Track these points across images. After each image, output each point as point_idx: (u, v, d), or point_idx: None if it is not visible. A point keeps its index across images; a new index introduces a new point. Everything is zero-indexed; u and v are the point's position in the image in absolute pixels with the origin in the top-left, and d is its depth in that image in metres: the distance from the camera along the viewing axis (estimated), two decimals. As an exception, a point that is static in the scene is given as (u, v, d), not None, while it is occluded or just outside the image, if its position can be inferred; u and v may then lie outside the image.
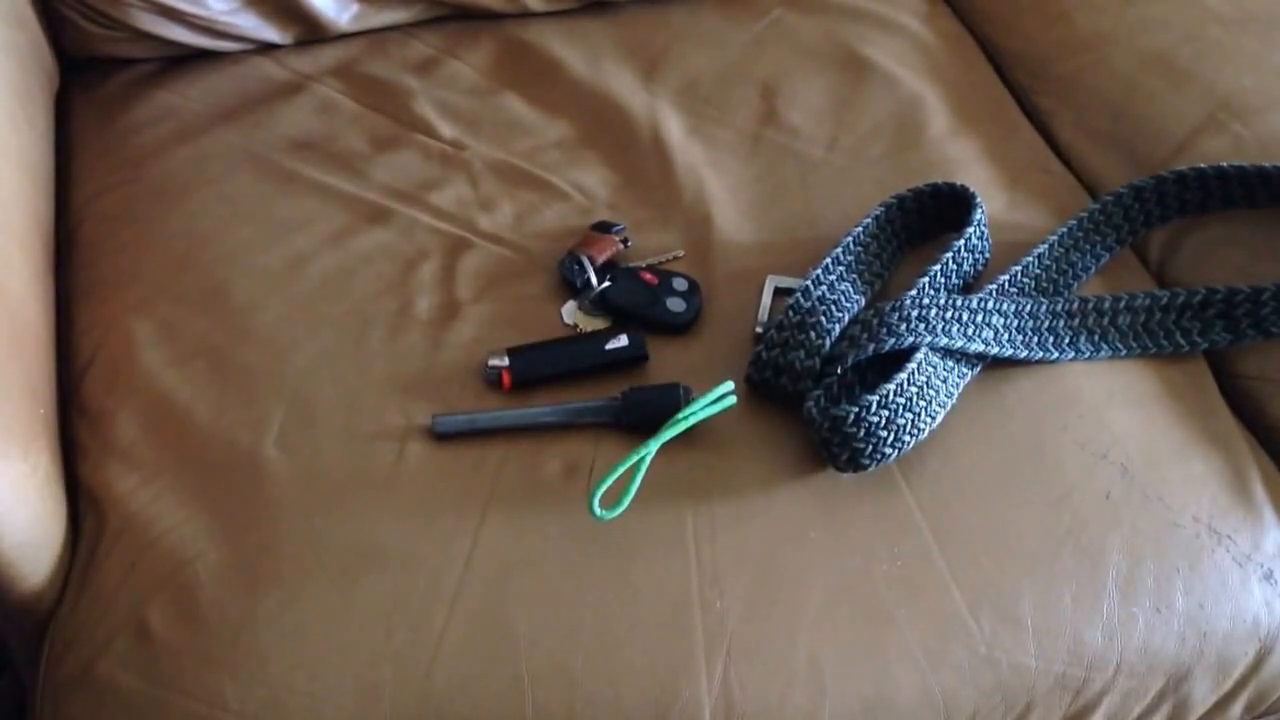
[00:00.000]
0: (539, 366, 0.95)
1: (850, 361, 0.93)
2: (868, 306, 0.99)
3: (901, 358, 0.92)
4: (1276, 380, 1.01)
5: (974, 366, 0.97)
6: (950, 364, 0.95)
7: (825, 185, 1.11)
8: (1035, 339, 0.98)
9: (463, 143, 1.13)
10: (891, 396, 0.89)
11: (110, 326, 0.98)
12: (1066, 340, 0.99)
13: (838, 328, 0.97)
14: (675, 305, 0.99)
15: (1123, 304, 1.01)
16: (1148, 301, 1.01)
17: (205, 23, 1.16)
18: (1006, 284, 1.01)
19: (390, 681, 0.81)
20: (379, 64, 1.21)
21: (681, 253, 1.05)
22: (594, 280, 0.99)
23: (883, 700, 0.84)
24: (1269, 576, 0.91)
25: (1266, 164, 1.06)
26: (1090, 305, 1.01)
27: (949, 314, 0.95)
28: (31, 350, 0.92)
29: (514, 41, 1.24)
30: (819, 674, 0.84)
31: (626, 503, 0.85)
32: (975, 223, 1.02)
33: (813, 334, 0.95)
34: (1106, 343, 1.00)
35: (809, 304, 0.97)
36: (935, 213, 1.06)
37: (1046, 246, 1.04)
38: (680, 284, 1.01)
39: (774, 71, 1.21)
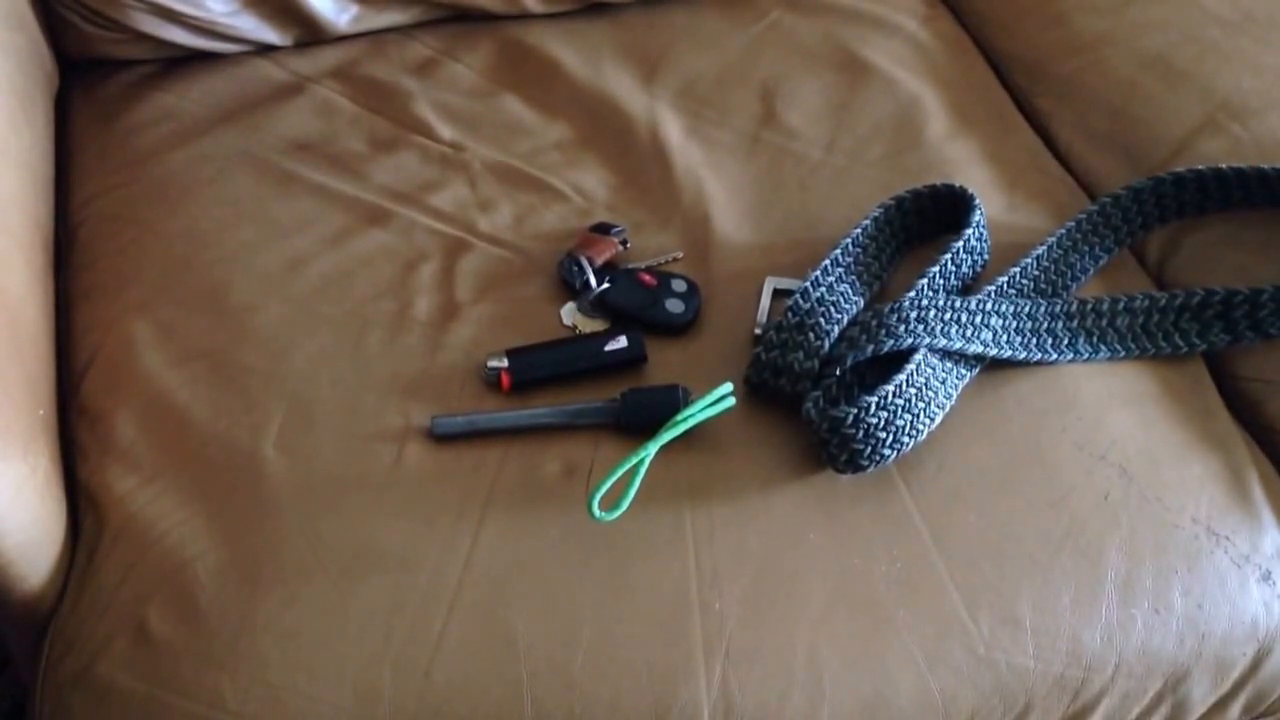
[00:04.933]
0: (538, 368, 0.95)
1: (849, 363, 0.93)
2: (866, 308, 0.99)
3: (900, 359, 0.92)
4: (1275, 381, 1.01)
5: (973, 368, 0.97)
6: (949, 365, 0.95)
7: (824, 186, 1.11)
8: (1034, 340, 0.98)
9: (462, 144, 1.13)
10: (890, 398, 0.89)
11: (110, 327, 0.98)
12: (1065, 341, 0.99)
13: (837, 329, 0.97)
14: (674, 306, 0.99)
15: (1121, 305, 1.01)
16: (1146, 303, 1.01)
17: (204, 24, 1.16)
18: (1005, 285, 1.01)
19: (389, 682, 0.81)
20: (378, 65, 1.21)
21: (680, 254, 1.05)
22: (593, 281, 1.00)
23: (881, 701, 0.84)
24: (1267, 577, 0.91)
25: (1265, 165, 1.06)
26: (1089, 306, 1.01)
27: (948, 315, 0.95)
28: (31, 351, 0.92)
29: (513, 43, 1.24)
30: (818, 675, 0.84)
31: (626, 504, 0.85)
32: (974, 224, 1.02)
33: (811, 335, 0.95)
34: (1105, 344, 1.00)
35: (808, 305, 0.97)
36: (934, 214, 1.06)
37: (1045, 248, 1.04)
38: (679, 285, 1.01)
39: (773, 73, 1.21)
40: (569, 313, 1.00)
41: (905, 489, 0.91)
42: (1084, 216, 1.06)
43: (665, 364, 0.97)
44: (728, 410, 0.91)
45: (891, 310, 0.95)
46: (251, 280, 1.01)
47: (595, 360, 0.96)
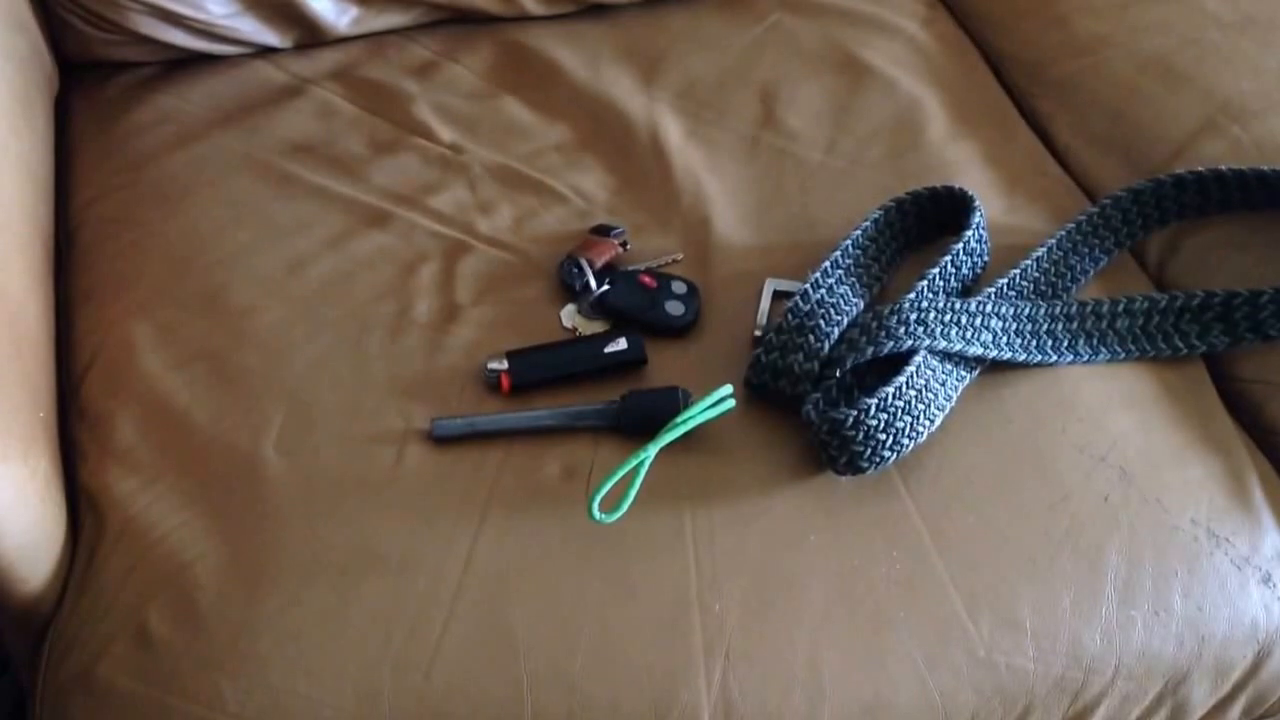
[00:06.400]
0: (538, 370, 0.95)
1: (849, 365, 0.93)
2: (866, 310, 0.99)
3: (900, 361, 0.92)
4: (1274, 383, 1.01)
5: (973, 369, 0.97)
6: (949, 367, 0.95)
7: (824, 188, 1.11)
8: (1034, 342, 0.98)
9: (462, 146, 1.13)
10: (890, 400, 0.89)
11: (110, 329, 0.99)
12: (1065, 343, 0.99)
13: (836, 331, 0.97)
14: (674, 308, 0.99)
15: (1121, 307, 1.01)
16: (1146, 304, 1.01)
17: (204, 26, 1.16)
18: (1005, 287, 1.01)
19: (389, 684, 0.81)
20: (378, 68, 1.21)
21: (680, 256, 1.05)
22: (593, 283, 1.00)
23: (881, 703, 0.84)
24: (1267, 579, 0.91)
25: (1265, 167, 1.06)
26: (1089, 308, 1.01)
27: (948, 317, 0.95)
28: (31, 353, 0.92)
29: (513, 45, 1.24)
30: (818, 677, 0.84)
31: (626, 506, 0.85)
32: (974, 226, 1.02)
33: (811, 337, 0.95)
34: (1105, 346, 1.00)
35: (808, 307, 0.97)
36: (934, 216, 1.06)
37: (1045, 250, 1.04)
38: (679, 287, 1.01)
39: (773, 75, 1.21)
40: (569, 315, 1.00)
41: (905, 491, 0.91)
42: (1084, 218, 1.06)
43: (665, 366, 0.97)
44: (727, 412, 0.91)
45: (891, 312, 0.95)
46: (252, 282, 1.01)
47: (595, 362, 0.96)
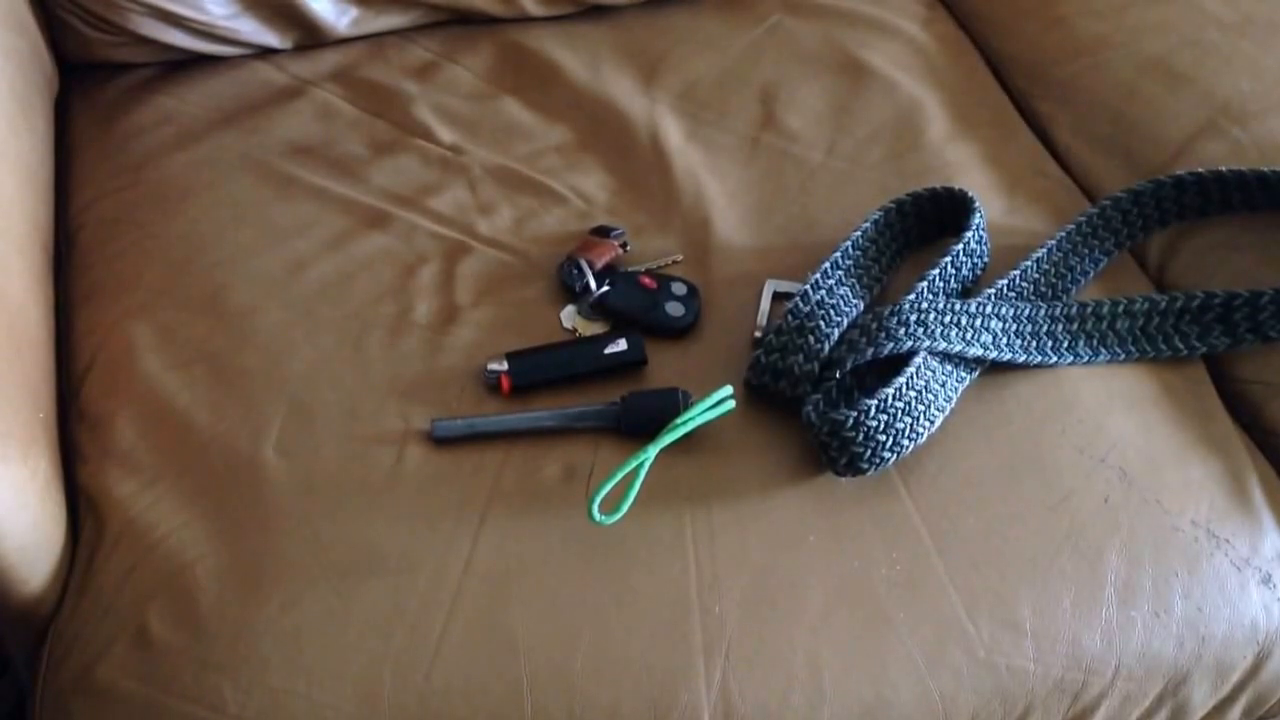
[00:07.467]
0: (538, 371, 0.95)
1: (849, 366, 0.93)
2: (866, 311, 0.99)
3: (900, 362, 0.92)
4: (1274, 384, 1.01)
5: (973, 370, 0.97)
6: (949, 368, 0.95)
7: (824, 189, 1.11)
8: (1034, 343, 0.98)
9: (462, 147, 1.13)
10: (890, 401, 0.89)
11: (110, 331, 0.99)
12: (1065, 344, 0.99)
13: (836, 332, 0.97)
14: (674, 309, 0.99)
15: (1121, 308, 1.01)
16: (1146, 306, 1.01)
17: (204, 27, 1.17)
18: (1005, 288, 1.01)
19: (389, 685, 0.81)
20: (378, 69, 1.21)
21: (680, 257, 1.05)
22: (593, 285, 1.00)
23: (881, 704, 0.84)
24: (1267, 580, 0.91)
25: (1265, 168, 1.06)
26: (1089, 309, 1.01)
27: (947, 318, 0.95)
28: (31, 354, 0.92)
29: (513, 46, 1.24)
30: (818, 678, 0.84)
31: (626, 508, 0.85)
32: (974, 227, 1.02)
33: (811, 338, 0.95)
34: (1105, 347, 1.00)
35: (808, 308, 0.97)
36: (934, 217, 1.06)
37: (1045, 251, 1.04)
38: (679, 288, 1.01)
39: (773, 76, 1.21)
40: (569, 316, 1.00)
41: (905, 492, 0.91)
42: (1084, 219, 1.06)
43: (665, 367, 0.97)
44: (727, 413, 0.91)
45: (891, 313, 0.95)
46: (251, 283, 1.01)
47: (595, 363, 0.96)
